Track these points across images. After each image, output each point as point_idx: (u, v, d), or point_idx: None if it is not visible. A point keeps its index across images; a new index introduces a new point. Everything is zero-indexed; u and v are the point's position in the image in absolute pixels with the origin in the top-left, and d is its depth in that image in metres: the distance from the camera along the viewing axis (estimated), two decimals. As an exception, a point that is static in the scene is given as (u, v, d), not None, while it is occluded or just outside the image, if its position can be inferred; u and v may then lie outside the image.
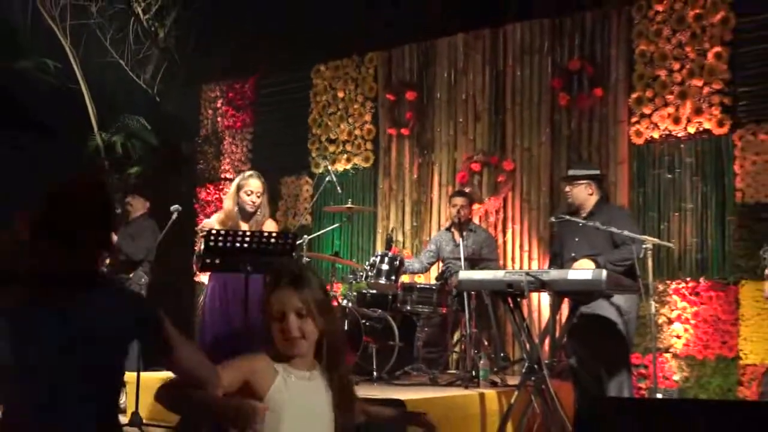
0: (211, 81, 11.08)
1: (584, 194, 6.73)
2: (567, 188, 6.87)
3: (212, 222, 6.66)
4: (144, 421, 6.39)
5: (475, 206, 8.76)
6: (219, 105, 11.04)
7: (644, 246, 6.32)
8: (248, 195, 6.52)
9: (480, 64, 9.04)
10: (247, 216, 6.55)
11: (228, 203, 6.66)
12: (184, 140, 11.16)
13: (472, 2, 9.06)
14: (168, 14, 11.10)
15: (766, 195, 7.34)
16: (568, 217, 6.90)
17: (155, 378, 5.83)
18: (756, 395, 6.79)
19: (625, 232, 6.34)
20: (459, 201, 8.16)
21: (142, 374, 6.41)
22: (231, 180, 7.43)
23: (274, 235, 6.06)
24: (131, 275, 8.63)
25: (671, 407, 5.62)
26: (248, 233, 6.11)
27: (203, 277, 8.54)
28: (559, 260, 6.90)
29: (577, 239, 6.68)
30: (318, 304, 2.91)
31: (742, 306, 7.35)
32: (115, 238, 8.42)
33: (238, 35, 10.44)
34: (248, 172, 6.83)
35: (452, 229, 8.20)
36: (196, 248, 6.89)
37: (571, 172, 6.94)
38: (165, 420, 6.31)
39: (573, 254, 6.59)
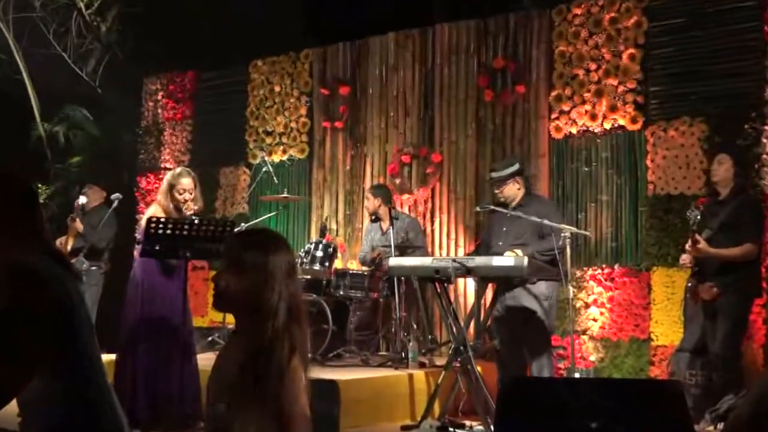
0: (151, 74, 10.89)
1: (513, 190, 6.80)
2: (497, 189, 6.88)
3: (153, 213, 6.26)
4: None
5: (405, 196, 8.77)
6: (160, 97, 10.84)
7: (563, 235, 6.39)
8: (181, 194, 6.21)
9: (410, 62, 9.00)
10: (181, 209, 6.26)
11: (161, 199, 6.31)
12: (125, 131, 10.97)
13: (403, 3, 9.02)
14: (110, 9, 10.89)
15: (675, 187, 7.41)
16: (492, 207, 6.94)
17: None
18: (666, 374, 6.88)
19: (546, 222, 6.40)
20: (369, 196, 8.30)
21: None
22: (171, 169, 7.00)
23: (212, 222, 5.98)
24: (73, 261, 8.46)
25: (587, 385, 5.69)
26: (187, 221, 5.99)
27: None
28: (484, 248, 6.92)
29: (504, 229, 6.72)
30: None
31: (654, 291, 7.42)
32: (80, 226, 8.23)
33: (178, 29, 10.17)
34: (178, 170, 6.48)
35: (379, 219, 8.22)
36: (137, 235, 6.75)
37: (495, 175, 6.91)
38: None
39: (500, 243, 6.63)
